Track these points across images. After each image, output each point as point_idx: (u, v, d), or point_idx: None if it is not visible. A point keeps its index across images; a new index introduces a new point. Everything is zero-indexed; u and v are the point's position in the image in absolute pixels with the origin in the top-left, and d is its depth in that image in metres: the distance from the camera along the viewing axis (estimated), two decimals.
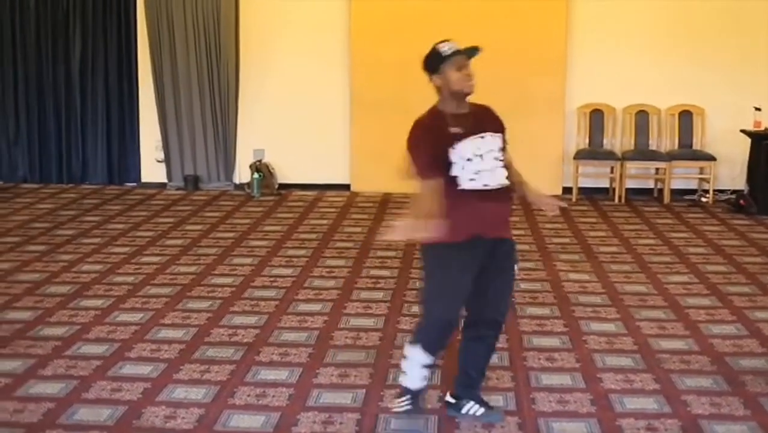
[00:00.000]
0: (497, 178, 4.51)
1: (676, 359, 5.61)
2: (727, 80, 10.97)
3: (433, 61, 4.53)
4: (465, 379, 4.77)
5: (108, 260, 7.91)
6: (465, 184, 4.46)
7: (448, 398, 4.82)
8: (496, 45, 10.57)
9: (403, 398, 4.77)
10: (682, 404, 4.95)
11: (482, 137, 4.51)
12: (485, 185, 4.47)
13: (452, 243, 4.47)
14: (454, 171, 4.45)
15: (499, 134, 4.59)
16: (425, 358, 4.66)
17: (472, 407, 4.72)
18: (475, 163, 4.46)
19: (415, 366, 4.70)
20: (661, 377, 5.34)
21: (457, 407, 4.76)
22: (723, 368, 5.50)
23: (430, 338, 4.66)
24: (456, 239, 4.46)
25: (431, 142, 4.47)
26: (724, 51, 10.98)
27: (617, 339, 6.02)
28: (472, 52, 4.52)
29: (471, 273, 4.50)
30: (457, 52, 4.50)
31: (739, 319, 6.46)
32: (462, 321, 4.72)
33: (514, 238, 4.70)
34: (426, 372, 4.73)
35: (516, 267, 4.68)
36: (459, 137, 4.47)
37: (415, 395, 4.77)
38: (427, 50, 4.54)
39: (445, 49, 4.51)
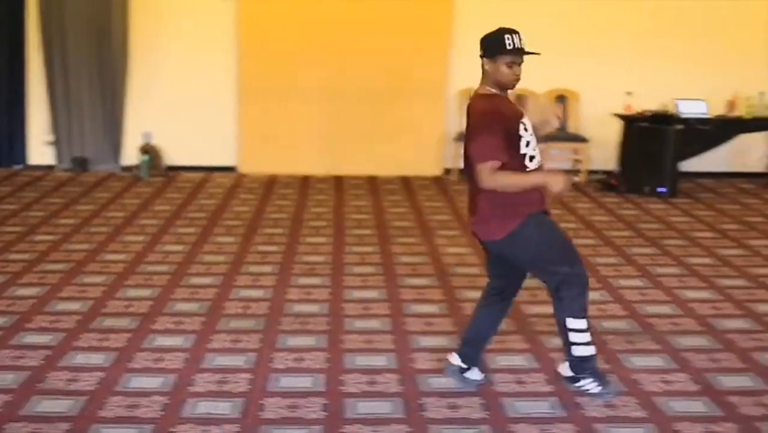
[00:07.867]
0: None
1: (544, 323, 6.03)
2: (600, 66, 11.52)
3: (492, 47, 4.67)
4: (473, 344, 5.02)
5: (0, 239, 8.06)
6: (528, 162, 4.60)
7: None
8: (383, 30, 10.98)
9: (585, 374, 4.79)
10: (549, 361, 5.39)
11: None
12: (539, 163, 4.66)
13: (540, 212, 4.70)
14: (522, 148, 4.58)
15: None
16: (580, 323, 4.66)
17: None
18: (532, 141, 4.65)
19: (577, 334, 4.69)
20: (530, 339, 5.79)
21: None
22: None
23: (579, 301, 4.63)
24: (540, 209, 4.69)
25: (506, 122, 4.55)
26: (597, 38, 11.52)
27: None
28: (527, 53, 4.62)
29: None
30: (516, 51, 4.58)
31: (604, 286, 6.95)
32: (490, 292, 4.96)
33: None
34: (587, 337, 4.69)
35: None
36: (521, 115, 4.65)
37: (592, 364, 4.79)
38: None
39: (508, 43, 4.59)
